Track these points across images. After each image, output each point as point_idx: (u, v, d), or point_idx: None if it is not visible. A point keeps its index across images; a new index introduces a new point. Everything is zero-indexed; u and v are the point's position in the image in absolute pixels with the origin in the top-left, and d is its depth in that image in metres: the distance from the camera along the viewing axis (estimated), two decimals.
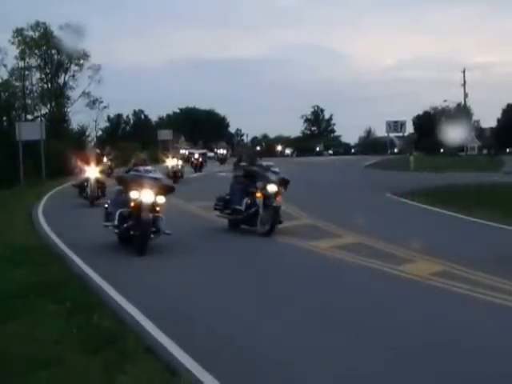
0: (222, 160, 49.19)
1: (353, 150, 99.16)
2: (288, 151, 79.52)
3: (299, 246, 12.74)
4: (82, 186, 20.99)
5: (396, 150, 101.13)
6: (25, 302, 8.21)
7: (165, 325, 7.12)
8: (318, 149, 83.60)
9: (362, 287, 9.35)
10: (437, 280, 9.50)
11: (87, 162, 20.96)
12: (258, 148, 61.44)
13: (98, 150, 22.30)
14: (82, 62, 55.70)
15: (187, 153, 46.22)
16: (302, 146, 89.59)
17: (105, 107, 62.78)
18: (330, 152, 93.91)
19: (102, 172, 21.42)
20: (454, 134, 51.90)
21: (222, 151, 51.41)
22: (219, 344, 6.61)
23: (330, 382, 5.66)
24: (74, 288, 9.02)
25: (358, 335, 6.98)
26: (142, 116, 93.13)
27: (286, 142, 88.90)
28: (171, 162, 30.01)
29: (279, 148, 78.86)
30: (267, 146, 77.00)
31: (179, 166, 30.21)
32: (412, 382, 5.69)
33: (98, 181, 20.76)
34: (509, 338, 6.87)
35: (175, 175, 29.16)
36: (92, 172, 20.82)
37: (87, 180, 20.69)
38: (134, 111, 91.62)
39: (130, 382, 5.61)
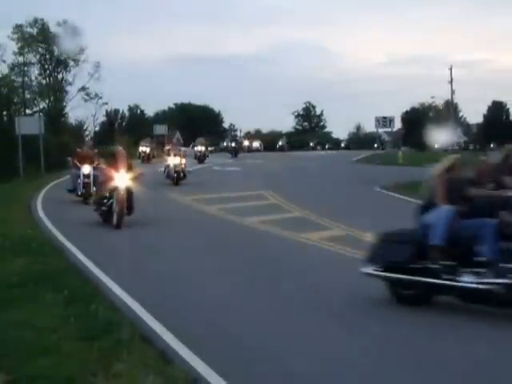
0: (200, 158, 43.27)
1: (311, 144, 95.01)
2: (256, 144, 76.36)
3: (287, 237, 13.04)
4: (101, 200, 14.93)
5: (343, 145, 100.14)
6: (24, 291, 8.35)
7: None
8: (280, 143, 79.47)
9: (353, 278, 9.42)
10: None
11: (114, 166, 14.88)
12: (233, 144, 59.00)
13: (120, 147, 16.53)
14: (78, 57, 55.66)
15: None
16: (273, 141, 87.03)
17: (104, 103, 62.60)
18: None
19: (135, 179, 15.16)
20: (440, 130, 52.19)
21: (199, 148, 44.40)
22: None
23: None
24: (71, 278, 9.16)
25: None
26: (138, 111, 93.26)
27: (254, 136, 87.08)
28: (173, 161, 26.06)
29: (246, 143, 75.13)
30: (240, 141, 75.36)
31: (182, 165, 26.33)
32: None
33: (127, 191, 14.63)
34: None
35: (178, 176, 25.79)
36: (122, 179, 14.68)
37: (114, 190, 14.45)
38: (129, 107, 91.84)
39: (126, 369, 5.70)
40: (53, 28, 53.90)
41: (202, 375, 5.59)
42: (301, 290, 8.71)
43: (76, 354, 6.08)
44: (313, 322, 7.24)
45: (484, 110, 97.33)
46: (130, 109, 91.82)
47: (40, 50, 54.86)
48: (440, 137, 45.30)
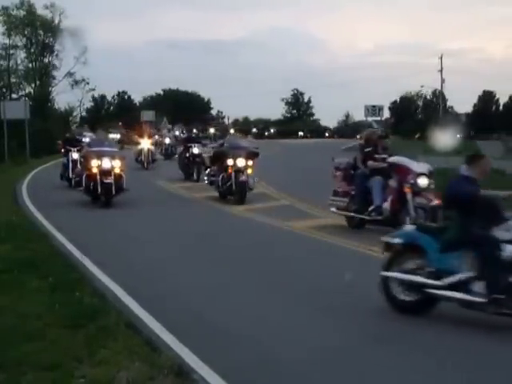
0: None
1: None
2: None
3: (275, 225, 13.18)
4: None
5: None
6: (9, 277, 8.34)
7: None
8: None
9: (339, 269, 9.42)
10: None
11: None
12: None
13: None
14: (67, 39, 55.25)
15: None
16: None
17: (92, 89, 62.32)
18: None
19: None
20: (429, 119, 52.57)
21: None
22: None
23: None
24: (57, 264, 9.13)
25: None
26: (126, 97, 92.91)
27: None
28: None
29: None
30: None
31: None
32: None
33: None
34: None
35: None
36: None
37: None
38: (118, 92, 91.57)
39: (111, 356, 5.73)
40: (41, 11, 53.77)
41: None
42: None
43: (61, 340, 6.09)
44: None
45: (472, 99, 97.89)
46: (118, 94, 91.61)
47: (26, 33, 54.42)
48: (427, 126, 45.60)
